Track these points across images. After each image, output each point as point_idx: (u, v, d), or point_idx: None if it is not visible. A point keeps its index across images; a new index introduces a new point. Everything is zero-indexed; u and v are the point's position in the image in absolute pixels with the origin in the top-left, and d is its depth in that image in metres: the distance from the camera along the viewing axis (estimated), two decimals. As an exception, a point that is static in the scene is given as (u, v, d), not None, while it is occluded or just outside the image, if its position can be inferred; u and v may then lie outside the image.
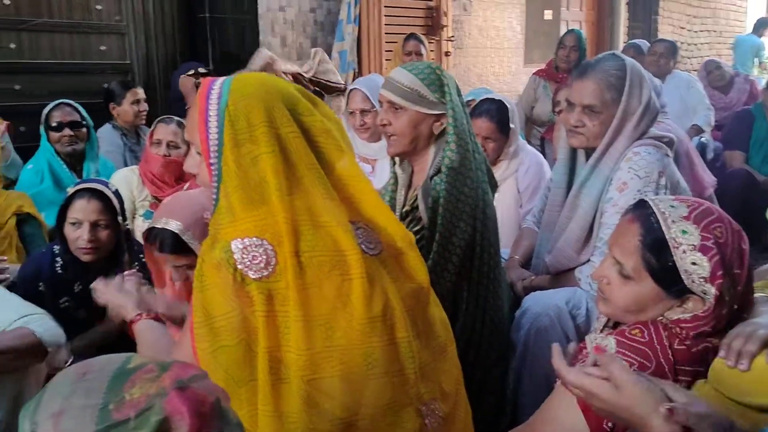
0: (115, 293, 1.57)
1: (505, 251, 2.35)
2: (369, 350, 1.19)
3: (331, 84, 4.57)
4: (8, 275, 2.27)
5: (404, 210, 2.01)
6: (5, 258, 2.37)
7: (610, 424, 1.23)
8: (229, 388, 1.11)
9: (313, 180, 1.22)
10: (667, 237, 1.26)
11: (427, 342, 1.32)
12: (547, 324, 1.97)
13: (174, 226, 1.72)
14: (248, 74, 1.30)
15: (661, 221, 1.27)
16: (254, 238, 1.17)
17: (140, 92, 3.73)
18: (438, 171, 1.92)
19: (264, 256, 1.17)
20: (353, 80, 4.80)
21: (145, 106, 3.75)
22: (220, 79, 1.26)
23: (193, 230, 1.73)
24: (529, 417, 1.43)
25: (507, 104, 2.80)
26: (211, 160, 1.21)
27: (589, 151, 2.13)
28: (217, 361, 1.15)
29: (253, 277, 1.16)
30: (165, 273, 1.87)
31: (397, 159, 2.08)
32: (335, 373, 1.17)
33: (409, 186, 2.05)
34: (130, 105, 3.68)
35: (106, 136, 3.58)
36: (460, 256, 1.88)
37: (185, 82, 4.14)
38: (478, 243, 1.91)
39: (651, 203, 1.32)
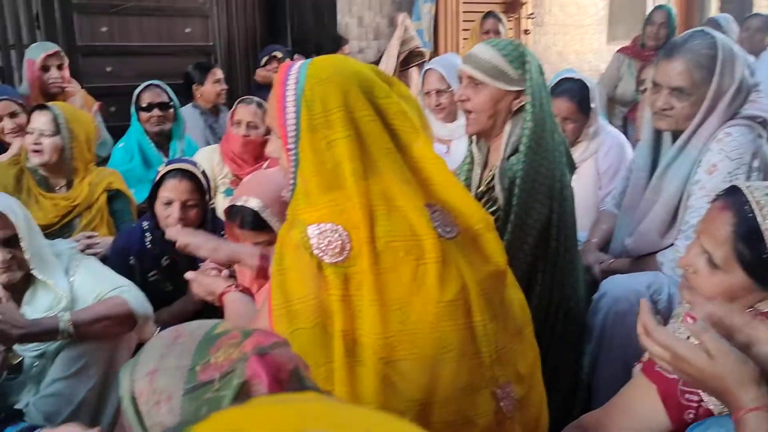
0: (206, 280, 1.66)
1: (582, 234, 2.30)
2: (444, 333, 1.20)
3: (418, 50, 4.53)
4: (100, 249, 2.40)
5: (480, 190, 2.00)
6: (96, 233, 2.50)
7: (691, 415, 1.20)
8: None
9: (388, 163, 1.22)
10: (762, 228, 1.20)
11: (505, 324, 1.31)
12: (625, 308, 1.93)
13: (254, 203, 1.78)
14: (324, 58, 1.31)
15: (756, 210, 1.21)
16: (329, 224, 1.19)
17: (219, 72, 3.89)
18: (515, 151, 1.89)
19: (339, 242, 1.18)
20: (429, 60, 4.77)
21: (224, 86, 3.89)
22: (297, 64, 1.27)
23: (272, 208, 1.78)
24: (605, 402, 1.41)
25: (588, 83, 2.73)
26: (289, 146, 1.23)
27: (675, 132, 2.05)
28: (294, 343, 1.18)
29: (328, 261, 1.17)
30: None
31: (474, 137, 2.06)
32: (410, 356, 1.18)
33: (485, 166, 2.04)
34: (212, 84, 3.83)
35: (188, 115, 3.72)
36: (536, 238, 1.85)
37: (260, 73, 4.24)
38: (554, 225, 1.88)
39: (745, 190, 1.25)
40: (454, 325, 1.21)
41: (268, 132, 3.11)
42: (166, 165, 2.34)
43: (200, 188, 2.29)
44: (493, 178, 1.94)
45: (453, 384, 1.20)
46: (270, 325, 1.21)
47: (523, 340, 1.37)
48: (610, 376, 1.90)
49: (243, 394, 0.81)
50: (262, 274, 1.66)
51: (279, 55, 4.22)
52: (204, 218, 2.33)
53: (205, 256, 1.73)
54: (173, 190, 2.24)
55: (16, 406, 1.84)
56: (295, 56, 4.16)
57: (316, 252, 1.17)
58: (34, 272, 1.87)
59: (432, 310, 1.19)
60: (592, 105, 2.70)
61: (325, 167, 1.20)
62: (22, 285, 1.90)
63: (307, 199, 1.21)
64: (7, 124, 2.92)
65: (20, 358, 1.87)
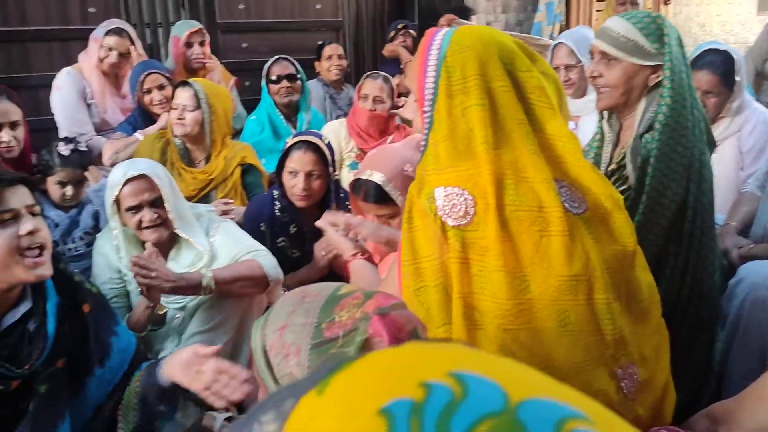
0: (338, 238, 1.72)
1: (720, 216, 2.17)
2: (564, 307, 1.19)
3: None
4: (234, 216, 2.54)
5: (610, 168, 1.93)
6: (232, 200, 2.66)
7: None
8: (428, 327, 1.17)
9: (521, 135, 1.23)
10: None
11: (629, 305, 1.28)
12: (765, 295, 1.81)
13: (378, 177, 1.82)
14: (471, 27, 1.34)
15: None
16: (456, 188, 1.22)
17: (335, 49, 3.95)
18: (649, 128, 1.80)
19: (463, 206, 1.21)
20: (559, 33, 4.61)
21: (338, 62, 3.94)
22: (443, 31, 1.30)
23: (395, 182, 1.82)
24: (736, 390, 1.34)
25: (733, 55, 2.54)
26: (425, 108, 1.27)
27: (832, 109, 1.88)
28: (419, 300, 1.22)
29: (451, 224, 1.21)
30: (368, 221, 2.00)
31: (605, 114, 1.98)
32: (529, 326, 1.19)
33: (616, 143, 1.96)
34: (326, 61, 3.93)
35: (312, 88, 3.85)
36: (669, 219, 1.77)
37: (388, 47, 4.28)
38: (690, 206, 1.78)
39: None
40: (575, 301, 1.20)
41: (393, 107, 3.17)
42: (294, 137, 2.43)
43: (324, 160, 2.37)
44: (624, 156, 1.87)
45: (569, 359, 1.19)
46: (399, 284, 1.26)
47: (648, 322, 1.33)
48: (744, 365, 1.80)
49: (365, 351, 0.86)
50: None
51: (406, 27, 4.23)
52: (327, 189, 2.41)
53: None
54: (298, 161, 2.33)
55: (161, 355, 2.01)
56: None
57: (440, 213, 1.21)
58: (178, 231, 2.03)
59: (554, 284, 1.19)
60: (737, 78, 2.51)
61: (457, 133, 1.23)
62: (167, 244, 2.08)
63: (437, 162, 1.25)
64: (156, 95, 3.15)
65: (165, 310, 2.05)
